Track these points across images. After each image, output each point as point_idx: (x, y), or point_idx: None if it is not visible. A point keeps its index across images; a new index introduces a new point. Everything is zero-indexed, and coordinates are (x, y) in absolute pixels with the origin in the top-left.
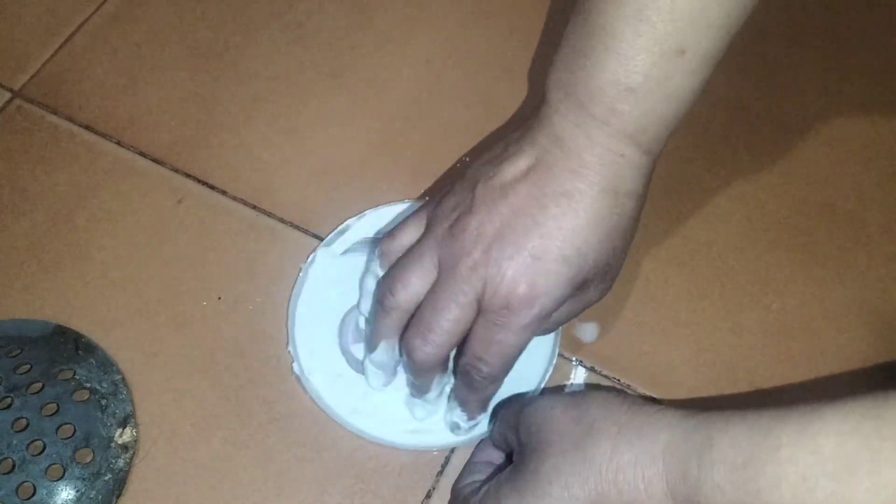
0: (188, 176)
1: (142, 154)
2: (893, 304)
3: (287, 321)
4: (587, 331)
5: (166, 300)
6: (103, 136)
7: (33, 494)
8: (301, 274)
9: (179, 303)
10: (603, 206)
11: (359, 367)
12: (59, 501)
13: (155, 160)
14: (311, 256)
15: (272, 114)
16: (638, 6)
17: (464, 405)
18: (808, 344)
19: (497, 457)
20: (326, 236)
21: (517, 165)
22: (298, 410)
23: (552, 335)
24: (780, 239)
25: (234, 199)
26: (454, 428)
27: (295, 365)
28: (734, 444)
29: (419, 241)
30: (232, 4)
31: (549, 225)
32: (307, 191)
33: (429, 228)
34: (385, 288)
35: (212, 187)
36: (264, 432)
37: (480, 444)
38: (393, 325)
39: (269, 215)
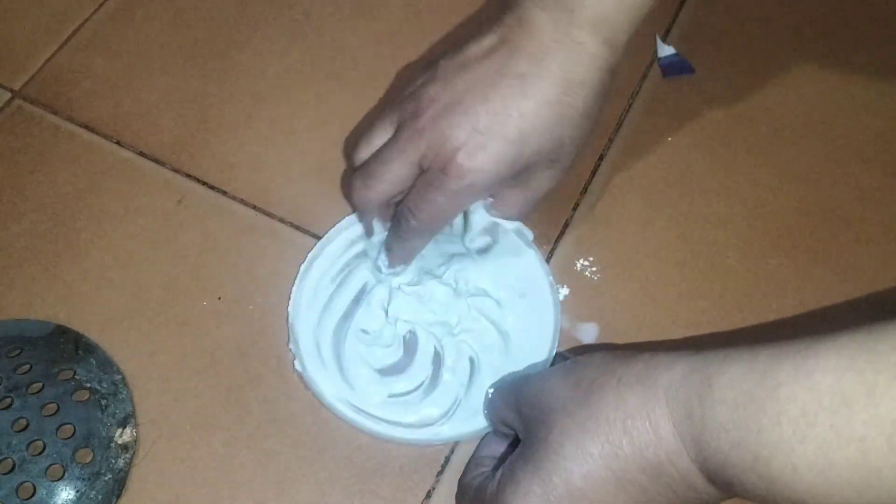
0: (188, 176)
1: (142, 154)
2: (894, 304)
3: (287, 319)
4: (587, 331)
5: (166, 300)
6: (103, 136)
7: (33, 494)
8: (301, 271)
9: (179, 303)
10: (553, 93)
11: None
12: (59, 501)
13: (155, 160)
14: (311, 253)
15: (272, 114)
16: None
17: (389, 250)
18: None
19: (501, 450)
20: (326, 233)
21: (481, 44)
22: (298, 410)
23: (551, 332)
24: (780, 239)
25: (234, 199)
26: (376, 271)
27: (296, 363)
28: (733, 384)
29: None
30: (232, 4)
31: (498, 104)
32: (307, 191)
33: (394, 100)
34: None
35: (212, 187)
36: (264, 432)
37: (485, 438)
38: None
39: (269, 215)
